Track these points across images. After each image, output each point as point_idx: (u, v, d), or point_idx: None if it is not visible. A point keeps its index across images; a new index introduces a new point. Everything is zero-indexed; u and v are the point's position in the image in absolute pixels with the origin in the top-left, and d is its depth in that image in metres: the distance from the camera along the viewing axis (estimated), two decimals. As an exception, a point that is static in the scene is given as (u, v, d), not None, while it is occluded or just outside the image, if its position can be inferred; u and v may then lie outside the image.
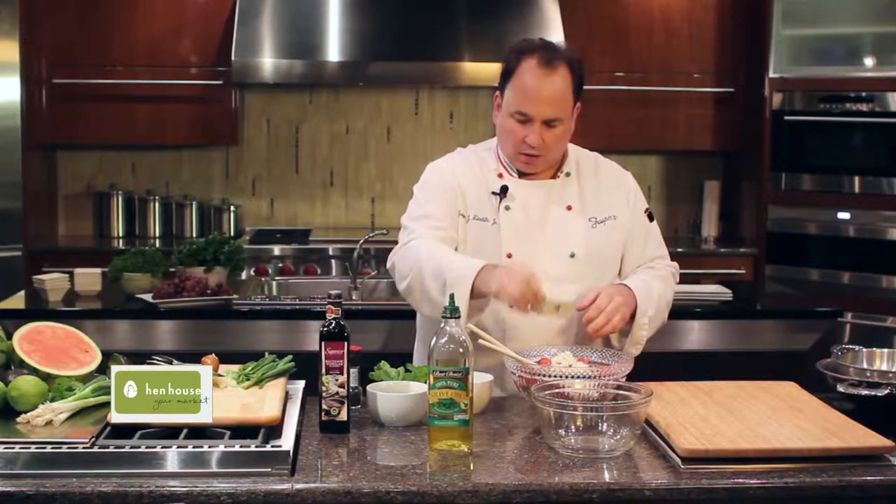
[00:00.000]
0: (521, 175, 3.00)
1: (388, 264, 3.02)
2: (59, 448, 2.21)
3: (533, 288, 2.70)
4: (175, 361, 2.66)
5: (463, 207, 2.98)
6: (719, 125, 6.20)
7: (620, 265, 3.06)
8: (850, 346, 2.88)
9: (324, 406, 2.46)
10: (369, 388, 2.58)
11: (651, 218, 3.12)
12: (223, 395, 2.51)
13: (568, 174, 3.02)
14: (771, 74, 5.82)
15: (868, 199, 5.61)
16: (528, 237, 2.95)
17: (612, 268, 3.03)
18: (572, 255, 2.95)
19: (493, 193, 2.97)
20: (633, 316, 2.86)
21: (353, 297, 4.32)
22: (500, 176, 2.99)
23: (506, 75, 2.92)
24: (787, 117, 5.82)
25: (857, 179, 5.66)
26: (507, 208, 2.96)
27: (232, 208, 6.22)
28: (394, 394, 2.56)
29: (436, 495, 2.13)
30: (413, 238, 2.94)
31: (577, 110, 2.96)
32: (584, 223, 2.98)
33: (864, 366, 2.81)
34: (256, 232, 6.16)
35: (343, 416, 2.45)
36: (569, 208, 2.99)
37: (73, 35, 5.82)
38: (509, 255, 2.93)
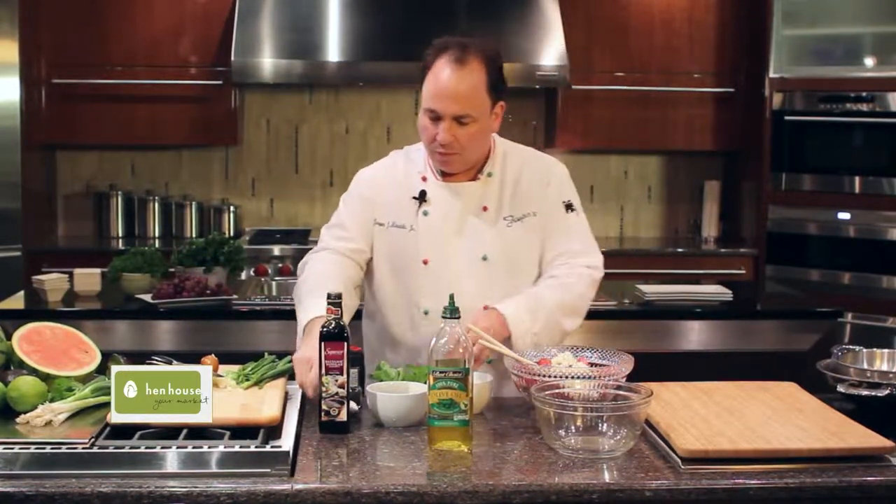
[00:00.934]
0: (444, 177, 2.98)
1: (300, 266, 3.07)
2: (59, 448, 2.21)
3: (309, 379, 2.60)
4: (175, 362, 2.66)
5: (379, 216, 2.99)
6: (719, 125, 6.20)
7: (542, 260, 3.01)
8: (851, 347, 2.88)
9: (323, 406, 2.45)
10: (369, 388, 2.58)
11: (569, 209, 3.01)
12: (223, 395, 2.50)
13: (490, 174, 2.98)
14: (771, 74, 5.83)
15: (868, 200, 5.61)
16: (444, 242, 2.94)
17: (529, 267, 2.98)
18: (484, 258, 2.93)
19: (414, 198, 2.96)
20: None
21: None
22: (424, 179, 2.98)
23: (423, 72, 2.89)
24: (787, 117, 5.82)
25: (857, 179, 5.66)
26: (426, 214, 2.95)
27: (231, 208, 6.22)
28: (393, 394, 2.55)
29: (436, 496, 2.13)
30: (319, 249, 3.03)
31: (501, 109, 2.92)
32: (499, 223, 2.95)
33: (865, 366, 2.81)
34: (256, 232, 6.16)
35: (343, 416, 2.45)
36: (484, 209, 2.96)
37: (73, 35, 5.82)
38: (425, 262, 2.93)
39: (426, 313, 2.93)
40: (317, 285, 2.84)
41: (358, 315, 3.05)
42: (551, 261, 2.99)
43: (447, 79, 2.81)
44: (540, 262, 3.01)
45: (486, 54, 2.85)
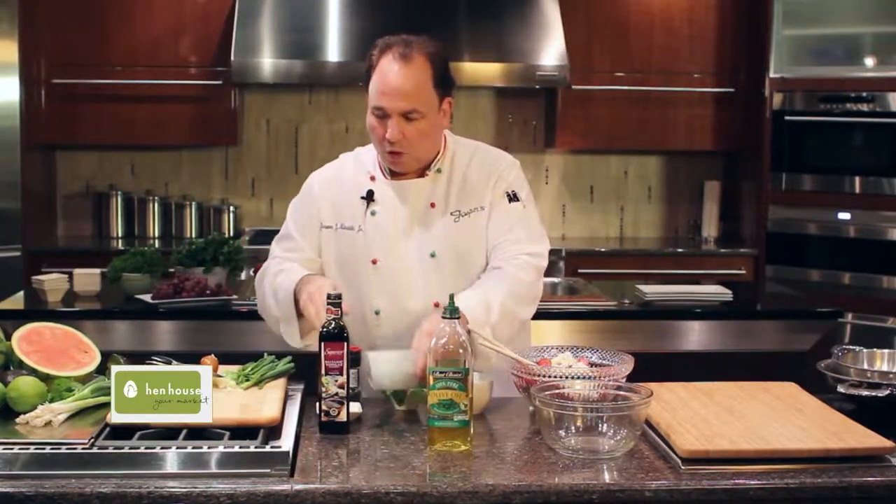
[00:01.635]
0: (393, 176, 2.97)
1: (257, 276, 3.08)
2: (59, 449, 2.21)
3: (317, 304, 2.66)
4: (174, 362, 2.66)
5: (327, 219, 2.99)
6: (719, 125, 6.20)
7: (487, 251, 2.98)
8: (851, 347, 2.87)
9: (323, 407, 2.45)
10: (366, 352, 2.62)
11: (513, 199, 2.97)
12: (222, 395, 2.50)
13: (439, 170, 2.96)
14: (771, 74, 5.82)
15: (868, 200, 5.61)
16: (392, 241, 2.93)
17: (476, 262, 2.95)
18: (433, 255, 2.92)
19: (361, 198, 2.96)
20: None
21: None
22: (373, 179, 2.97)
23: (367, 72, 2.90)
24: (787, 117, 5.82)
25: (857, 180, 5.66)
26: (373, 213, 2.94)
27: (231, 208, 6.21)
28: (385, 352, 2.58)
29: (435, 496, 2.12)
30: (272, 260, 3.03)
31: (448, 104, 2.91)
32: (447, 219, 2.93)
33: (865, 366, 2.81)
34: (256, 232, 6.15)
35: (342, 416, 2.45)
36: (432, 206, 2.94)
37: (73, 35, 5.82)
38: (374, 262, 2.92)
39: (377, 313, 2.92)
40: (283, 269, 2.93)
41: None
42: (492, 249, 2.95)
43: (393, 76, 2.81)
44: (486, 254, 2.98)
45: (430, 50, 2.86)
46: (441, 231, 2.92)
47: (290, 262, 2.98)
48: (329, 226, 2.99)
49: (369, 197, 2.95)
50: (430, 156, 2.95)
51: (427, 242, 2.92)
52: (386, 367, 2.55)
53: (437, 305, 2.86)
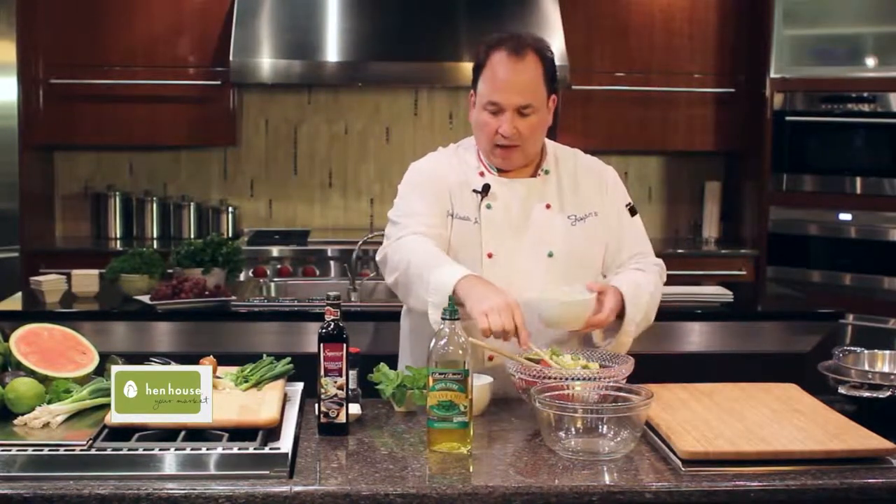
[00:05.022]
0: (501, 173, 2.98)
1: (379, 256, 2.98)
2: (57, 450, 2.20)
3: (516, 322, 2.61)
4: (172, 363, 2.65)
5: (450, 206, 2.97)
6: (720, 126, 6.20)
7: (604, 263, 3.04)
8: (852, 348, 2.87)
9: (322, 408, 2.44)
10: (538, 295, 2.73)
11: (633, 213, 3.10)
12: (221, 396, 2.49)
13: (547, 171, 3.00)
14: (772, 75, 5.82)
15: (869, 200, 5.61)
16: (508, 236, 2.94)
17: (593, 266, 3.01)
18: (550, 255, 2.94)
19: (475, 192, 2.95)
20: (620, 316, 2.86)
21: (352, 299, 4.31)
22: (482, 174, 2.98)
23: (476, 70, 2.95)
24: (788, 118, 5.82)
25: (858, 180, 5.65)
26: (489, 207, 2.94)
27: (230, 209, 6.20)
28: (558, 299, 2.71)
29: (435, 498, 2.12)
30: (405, 234, 2.89)
31: (553, 103, 2.95)
32: (563, 221, 2.97)
33: (866, 367, 2.81)
34: (255, 233, 6.15)
35: (342, 418, 2.44)
36: (548, 206, 2.97)
37: (71, 35, 5.81)
38: (490, 255, 2.92)
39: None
40: (434, 254, 2.81)
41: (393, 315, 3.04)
42: (626, 261, 3.03)
43: (508, 71, 2.86)
44: (602, 263, 3.04)
45: (540, 46, 2.92)
46: (559, 232, 2.95)
47: (423, 237, 2.86)
48: (451, 213, 2.97)
49: (485, 191, 2.95)
50: (537, 153, 3.00)
51: (544, 241, 2.95)
52: (555, 309, 2.64)
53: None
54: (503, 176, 2.98)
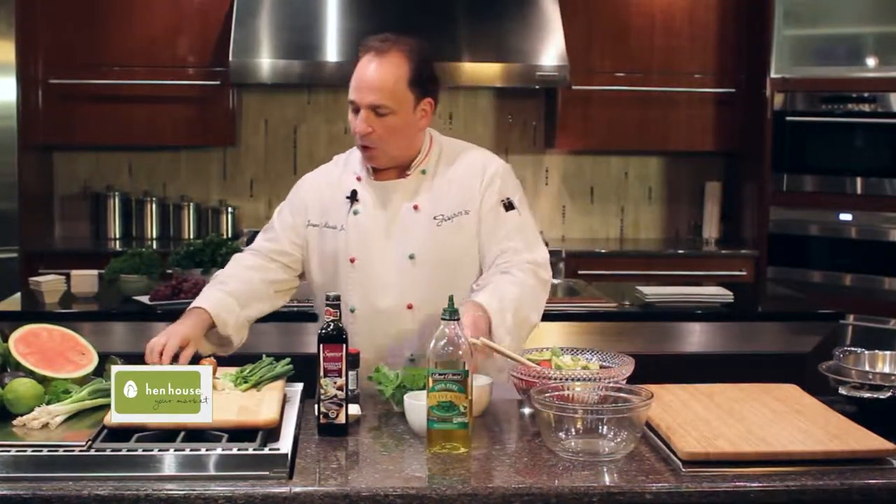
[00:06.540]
0: (375, 176, 2.98)
1: None
2: (56, 451, 2.20)
3: (156, 356, 2.65)
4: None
5: (314, 218, 3.02)
6: (720, 126, 6.19)
7: (481, 260, 2.98)
8: (852, 349, 2.87)
9: (322, 409, 2.44)
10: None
11: (509, 208, 2.96)
12: (221, 397, 2.49)
13: (424, 172, 2.98)
14: (772, 75, 5.81)
15: (870, 201, 5.60)
16: (373, 241, 2.94)
17: (463, 266, 2.95)
18: (412, 257, 2.92)
19: (346, 198, 2.98)
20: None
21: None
22: (359, 179, 2.99)
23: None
24: (788, 118, 5.81)
25: (858, 180, 5.65)
26: (356, 213, 2.96)
27: (229, 209, 6.20)
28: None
29: (435, 498, 2.12)
30: (247, 249, 3.12)
31: (429, 105, 2.92)
32: (429, 222, 2.93)
33: (867, 368, 2.80)
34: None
35: (341, 418, 2.44)
36: (415, 208, 2.95)
37: (70, 35, 5.81)
38: (352, 260, 2.94)
39: (353, 311, 2.93)
40: (221, 278, 2.99)
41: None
42: (494, 259, 2.94)
43: (365, 69, 2.86)
44: (478, 261, 2.98)
45: (408, 47, 2.88)
46: (423, 234, 2.93)
47: (248, 257, 3.06)
48: (315, 224, 3.02)
49: (353, 197, 2.98)
50: (404, 154, 2.96)
51: (406, 244, 2.93)
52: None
53: (410, 307, 2.91)
54: (378, 178, 2.98)
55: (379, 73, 2.83)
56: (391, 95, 2.84)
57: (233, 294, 2.92)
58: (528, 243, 2.96)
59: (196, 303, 2.87)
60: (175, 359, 2.65)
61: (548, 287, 2.98)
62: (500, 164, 3.03)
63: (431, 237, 2.92)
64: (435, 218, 2.93)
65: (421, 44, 2.93)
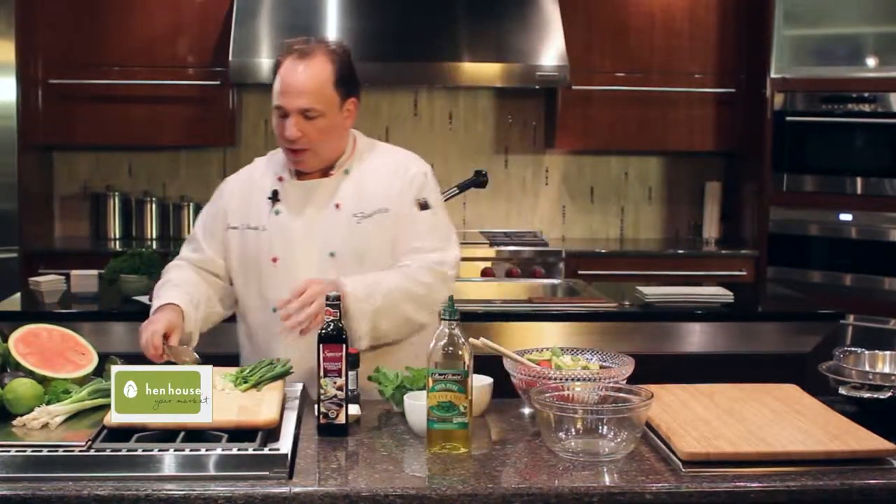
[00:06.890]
0: (299, 176, 3.00)
1: None
2: (56, 451, 2.20)
3: (153, 342, 2.76)
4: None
5: (233, 220, 3.03)
6: (720, 126, 6.19)
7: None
8: (853, 349, 2.87)
9: (322, 409, 2.44)
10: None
11: (423, 207, 3.00)
12: (221, 397, 2.49)
13: (347, 171, 3.00)
14: (772, 75, 5.81)
15: (870, 201, 5.60)
16: (293, 240, 2.95)
17: (380, 263, 2.96)
18: (332, 255, 2.93)
19: (268, 199, 2.99)
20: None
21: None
22: (281, 179, 3.01)
23: (273, 75, 2.95)
24: (788, 118, 5.81)
25: (859, 180, 5.64)
26: (277, 213, 2.98)
27: (230, 209, 6.19)
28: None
29: (435, 498, 2.11)
30: (176, 259, 3.14)
31: (353, 105, 2.96)
32: (349, 220, 2.95)
33: (867, 368, 2.80)
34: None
35: (341, 418, 2.44)
36: (337, 206, 2.96)
37: (70, 35, 5.81)
38: (274, 260, 2.95)
39: (274, 311, 2.91)
40: (174, 282, 3.00)
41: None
42: (401, 258, 2.97)
43: (290, 74, 2.87)
44: (393, 259, 2.99)
45: (330, 49, 2.91)
46: (342, 231, 2.95)
47: (185, 267, 3.08)
48: (235, 226, 3.03)
49: (274, 197, 2.99)
50: (333, 155, 2.99)
51: (327, 242, 2.95)
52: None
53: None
54: (300, 178, 3.00)
55: (306, 75, 2.86)
56: (320, 98, 2.87)
57: (189, 294, 2.97)
58: (438, 244, 2.99)
59: (164, 300, 2.92)
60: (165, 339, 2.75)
61: (450, 285, 2.96)
62: (420, 166, 3.08)
63: (351, 234, 2.95)
64: (355, 215, 2.96)
65: (342, 45, 2.99)
